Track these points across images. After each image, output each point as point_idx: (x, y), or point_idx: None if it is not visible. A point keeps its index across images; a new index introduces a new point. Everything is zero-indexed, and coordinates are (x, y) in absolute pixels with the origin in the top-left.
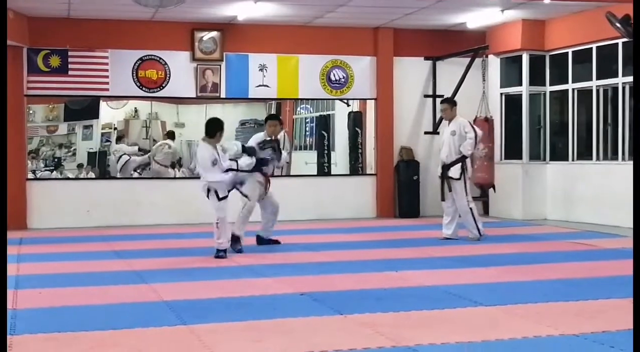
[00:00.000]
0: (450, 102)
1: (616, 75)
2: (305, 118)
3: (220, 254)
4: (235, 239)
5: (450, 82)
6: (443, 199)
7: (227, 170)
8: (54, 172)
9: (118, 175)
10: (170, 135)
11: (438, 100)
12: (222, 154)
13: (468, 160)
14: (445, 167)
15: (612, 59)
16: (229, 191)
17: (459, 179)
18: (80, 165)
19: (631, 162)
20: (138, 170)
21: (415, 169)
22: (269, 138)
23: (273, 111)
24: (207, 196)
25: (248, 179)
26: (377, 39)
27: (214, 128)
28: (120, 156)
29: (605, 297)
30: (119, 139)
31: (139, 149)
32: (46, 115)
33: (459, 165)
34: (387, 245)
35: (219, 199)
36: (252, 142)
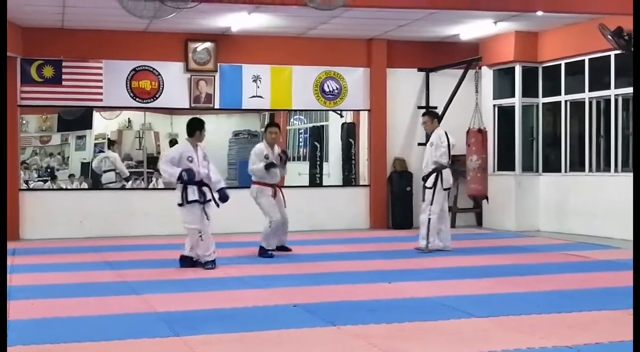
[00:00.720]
0: (431, 114)
1: (609, 87)
2: (299, 129)
3: (209, 266)
4: (264, 252)
5: (443, 93)
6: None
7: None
8: (47, 182)
9: (102, 180)
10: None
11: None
12: (201, 158)
13: (445, 172)
14: (424, 178)
15: (605, 70)
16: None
17: (431, 188)
18: (71, 176)
19: (624, 173)
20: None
21: (408, 180)
22: (273, 159)
23: (267, 122)
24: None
25: (259, 197)
26: (371, 50)
27: (193, 128)
28: (109, 170)
29: (599, 309)
30: (111, 145)
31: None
32: (39, 125)
33: (434, 175)
34: (380, 256)
35: (186, 202)
36: (256, 159)
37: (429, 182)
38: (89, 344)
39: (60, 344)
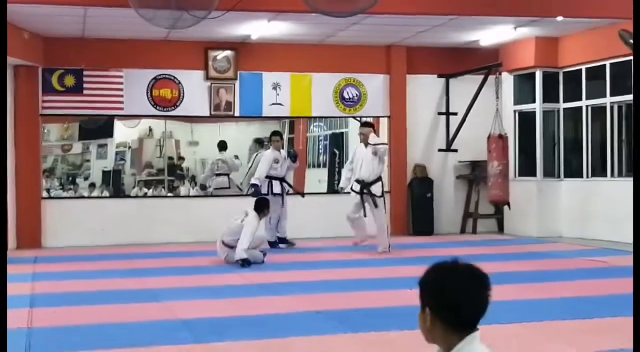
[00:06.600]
0: (371, 125)
1: (630, 92)
2: (319, 136)
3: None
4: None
5: (463, 99)
6: (365, 215)
7: None
8: (69, 190)
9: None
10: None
11: (452, 117)
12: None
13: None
14: (367, 185)
15: (626, 75)
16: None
17: (382, 196)
18: (92, 185)
19: None
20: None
21: (429, 186)
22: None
23: (287, 129)
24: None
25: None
26: (390, 57)
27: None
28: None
29: (621, 315)
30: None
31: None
32: (61, 134)
33: (379, 183)
34: (401, 263)
35: None
36: (266, 164)
37: (378, 190)
38: (111, 351)
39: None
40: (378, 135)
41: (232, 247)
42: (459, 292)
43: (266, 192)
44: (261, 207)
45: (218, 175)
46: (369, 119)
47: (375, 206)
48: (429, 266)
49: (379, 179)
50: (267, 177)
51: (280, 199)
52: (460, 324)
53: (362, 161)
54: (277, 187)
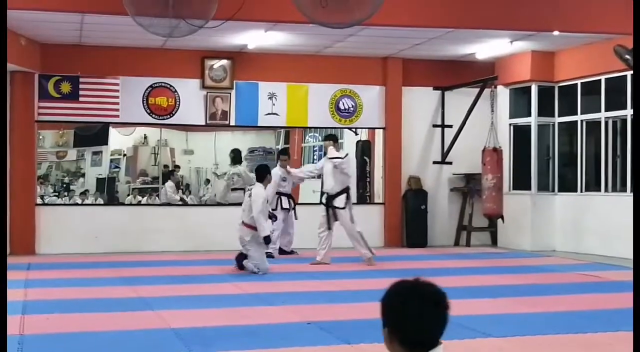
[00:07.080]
0: (333, 137)
1: (625, 107)
2: (314, 146)
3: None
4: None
5: (458, 112)
6: (329, 228)
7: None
8: (63, 197)
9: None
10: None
11: (447, 130)
12: None
13: (352, 191)
14: (331, 198)
15: (621, 90)
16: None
17: (344, 208)
18: (83, 193)
19: None
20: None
21: (423, 198)
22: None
23: (282, 139)
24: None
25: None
26: (386, 68)
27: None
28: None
29: (614, 330)
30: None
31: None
32: (56, 141)
33: (343, 195)
34: (395, 274)
35: None
36: (274, 183)
37: (341, 202)
38: None
39: None
40: (374, 148)
41: (254, 228)
42: (411, 315)
43: (275, 207)
44: (263, 174)
45: (234, 189)
46: (334, 132)
47: (336, 218)
48: (390, 284)
49: (344, 191)
50: (276, 193)
51: (287, 212)
52: (414, 345)
53: (325, 174)
54: (285, 202)
